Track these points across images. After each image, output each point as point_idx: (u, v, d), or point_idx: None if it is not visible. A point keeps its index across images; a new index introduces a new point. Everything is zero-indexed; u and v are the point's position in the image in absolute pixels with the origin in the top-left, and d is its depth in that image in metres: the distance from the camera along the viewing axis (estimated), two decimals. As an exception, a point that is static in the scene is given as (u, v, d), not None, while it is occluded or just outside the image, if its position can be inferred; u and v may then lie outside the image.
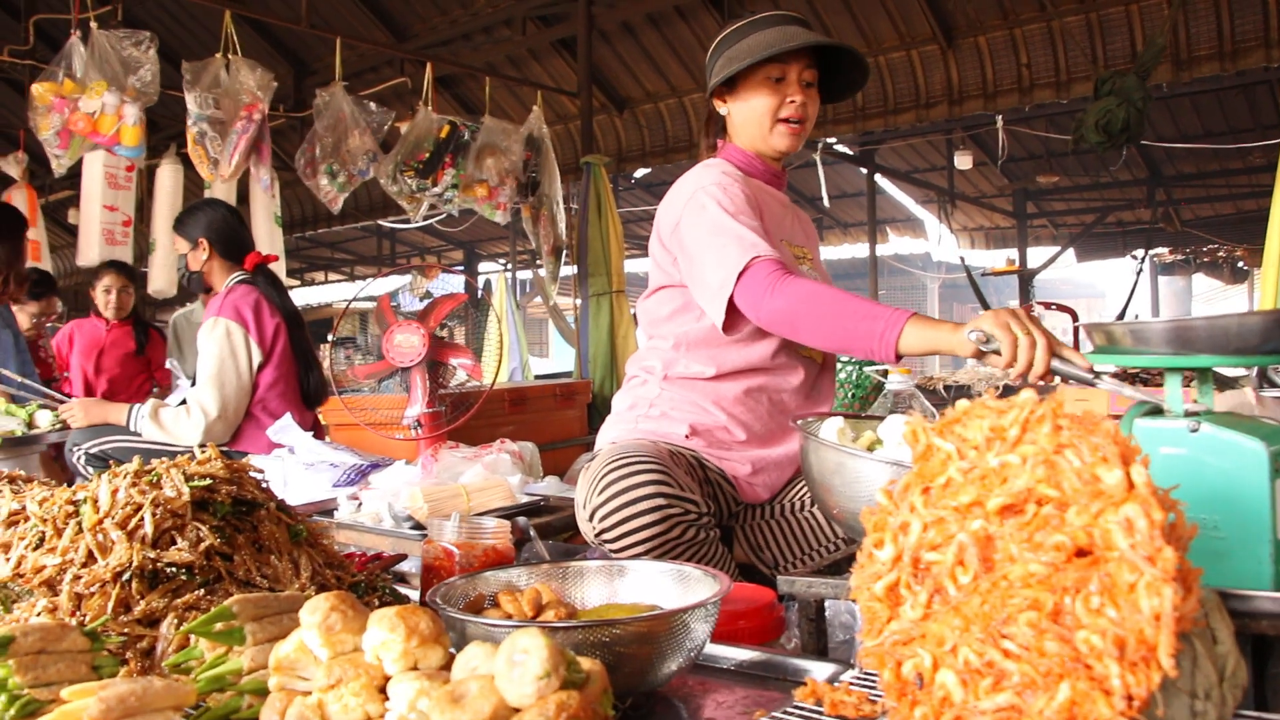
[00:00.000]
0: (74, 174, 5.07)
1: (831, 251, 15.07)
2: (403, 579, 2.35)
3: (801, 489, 2.36)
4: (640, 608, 1.38)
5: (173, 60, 5.36)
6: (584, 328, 6.47)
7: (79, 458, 3.55)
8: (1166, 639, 0.82)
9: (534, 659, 0.92)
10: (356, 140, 5.55)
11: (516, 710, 0.92)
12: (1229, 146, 9.86)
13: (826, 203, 10.34)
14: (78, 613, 1.27)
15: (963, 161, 10.66)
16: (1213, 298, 19.28)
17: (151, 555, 1.31)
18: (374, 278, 4.84)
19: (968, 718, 0.88)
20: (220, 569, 1.37)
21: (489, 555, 1.68)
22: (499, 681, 0.93)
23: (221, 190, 5.40)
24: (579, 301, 6.60)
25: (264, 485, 1.56)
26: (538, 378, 11.04)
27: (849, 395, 4.31)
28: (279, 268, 5.32)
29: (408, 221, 8.46)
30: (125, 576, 1.29)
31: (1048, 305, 6.74)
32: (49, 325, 5.87)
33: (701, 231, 2.17)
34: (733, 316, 2.12)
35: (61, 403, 3.83)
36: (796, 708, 1.16)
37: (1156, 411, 1.36)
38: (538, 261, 6.94)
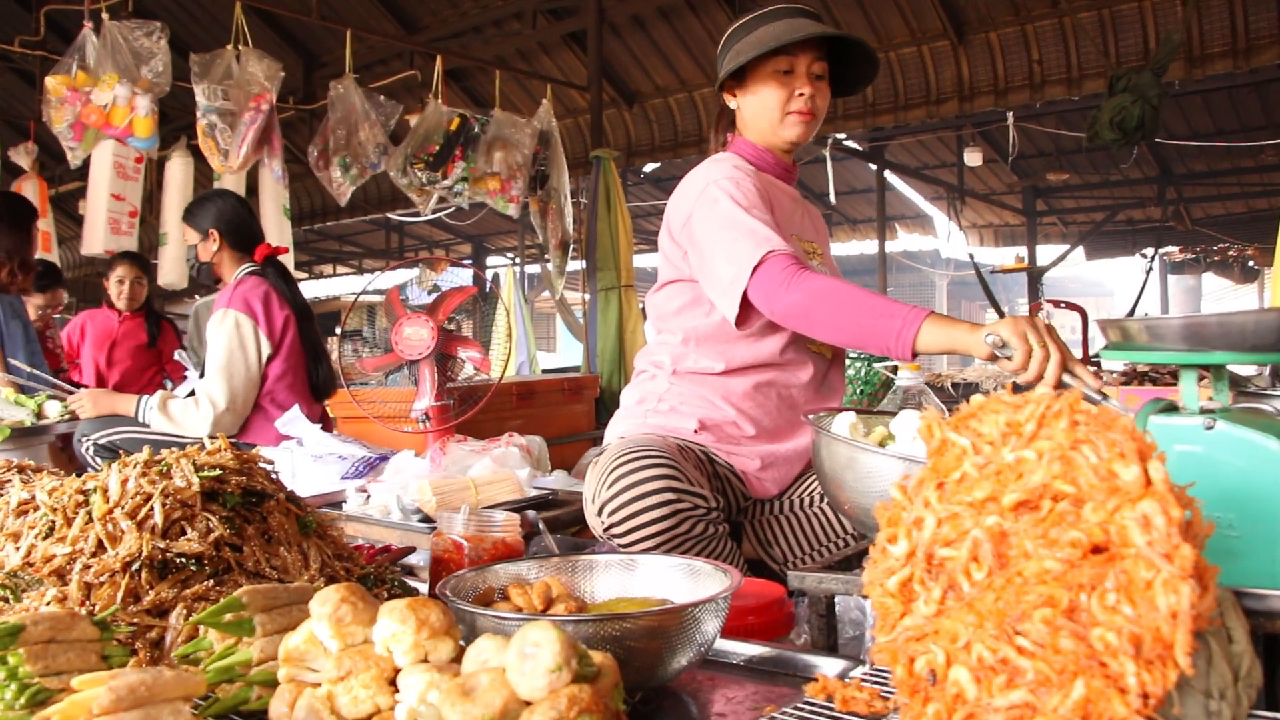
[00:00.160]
0: (84, 165, 5.08)
1: (840, 248, 15.04)
2: (411, 572, 2.34)
3: (810, 484, 2.35)
4: (650, 602, 1.38)
5: (183, 52, 5.36)
6: (592, 322, 6.46)
7: (87, 448, 3.55)
8: (1183, 637, 0.81)
9: (546, 652, 0.91)
10: (367, 133, 5.56)
11: (528, 703, 0.92)
12: (1241, 145, 9.81)
13: (833, 199, 10.32)
14: (87, 602, 1.27)
15: (973, 158, 10.63)
16: (1222, 297, 19.21)
17: (161, 545, 1.31)
18: (382, 271, 4.84)
19: (981, 715, 0.87)
20: (230, 560, 1.37)
21: (498, 548, 1.68)
22: (510, 674, 0.93)
23: (231, 182, 5.40)
24: (587, 296, 6.60)
25: (273, 476, 1.56)
26: (545, 372, 11.04)
27: (858, 391, 4.30)
28: (288, 260, 5.32)
29: (416, 215, 8.46)
30: (135, 566, 1.29)
31: (1056, 303, 6.71)
32: (57, 316, 5.88)
33: (713, 225, 2.16)
34: (745, 311, 2.11)
35: (70, 393, 3.83)
36: (807, 703, 1.15)
37: (1171, 408, 1.35)
38: (546, 256, 6.94)
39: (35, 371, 4.03)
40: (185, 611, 1.27)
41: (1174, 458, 1.29)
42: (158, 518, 1.33)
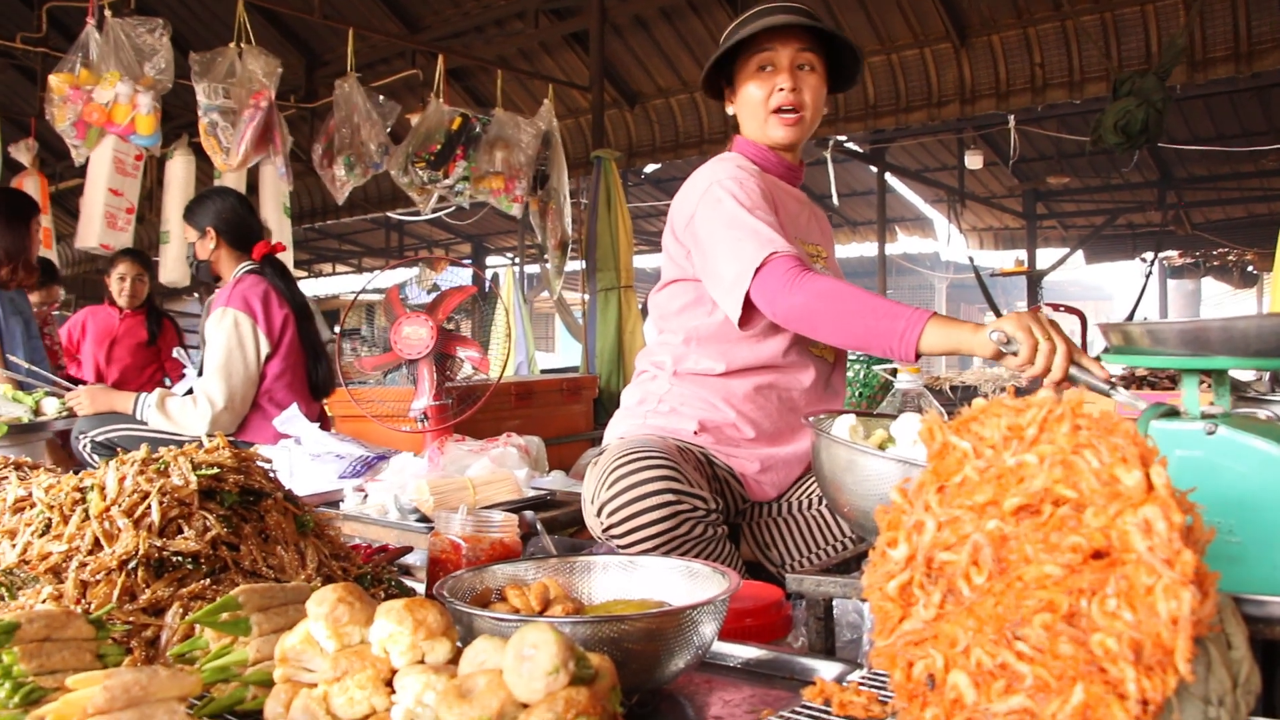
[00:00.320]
0: (85, 162, 5.07)
1: (840, 250, 15.03)
2: (408, 572, 2.34)
3: (809, 487, 2.34)
4: (648, 604, 1.38)
5: (186, 50, 5.36)
6: (591, 322, 6.46)
7: (85, 445, 3.55)
8: (1184, 643, 0.81)
9: (543, 654, 0.91)
10: (369, 132, 5.55)
11: (525, 706, 0.91)
12: (1242, 149, 9.80)
13: (835, 201, 10.32)
14: (83, 600, 1.26)
15: (973, 161, 10.63)
16: (1221, 302, 19.20)
17: (158, 544, 1.31)
18: (382, 269, 4.83)
19: (980, 720, 0.87)
20: (226, 558, 1.36)
21: (496, 549, 1.68)
22: (507, 676, 0.92)
23: (232, 180, 5.40)
24: (586, 296, 6.59)
25: (271, 475, 1.55)
26: (544, 372, 11.03)
27: (857, 394, 4.30)
28: (287, 258, 5.32)
29: (416, 214, 8.45)
30: (131, 565, 1.29)
31: (1056, 307, 6.71)
32: (55, 313, 5.87)
33: (717, 225, 2.15)
34: (748, 311, 2.11)
35: (68, 390, 3.83)
36: (805, 707, 1.15)
37: (1172, 413, 1.35)
38: (545, 256, 6.94)
39: (33, 368, 4.02)
40: (181, 610, 1.26)
41: (1175, 463, 1.28)
42: (155, 516, 1.33)
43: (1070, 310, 6.21)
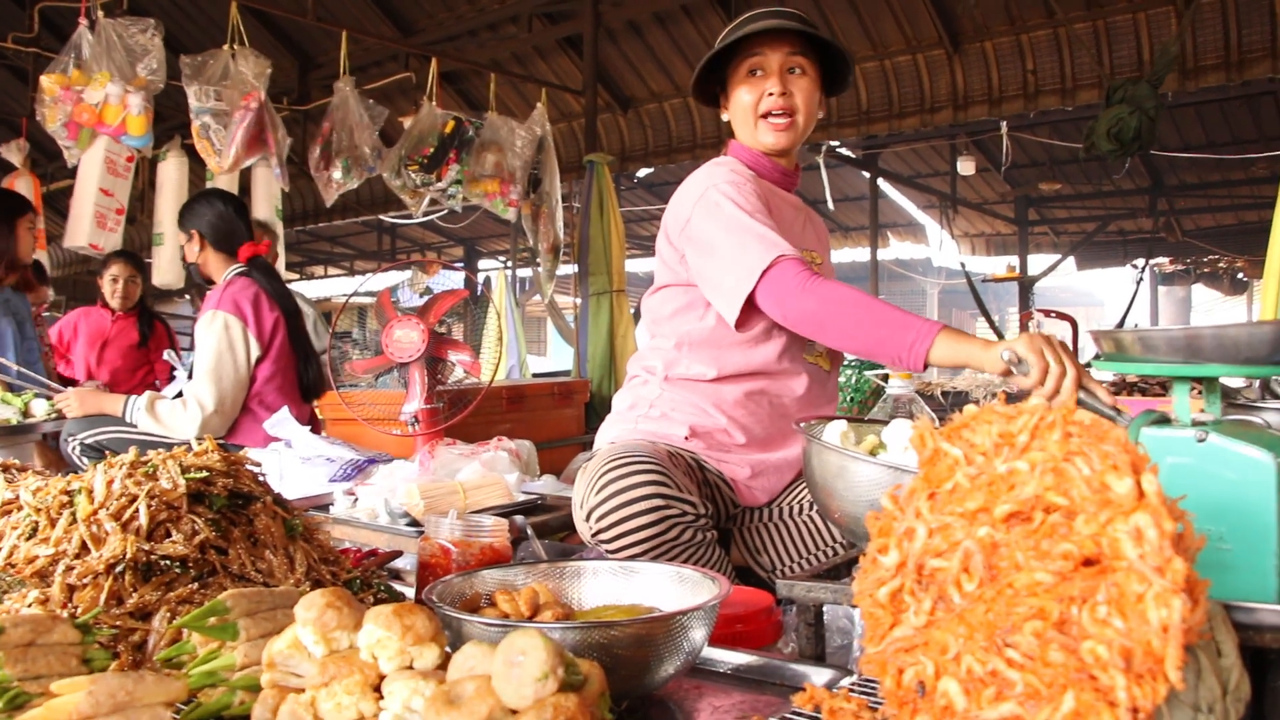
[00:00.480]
0: (78, 163, 5.06)
1: (832, 255, 14.98)
2: (398, 576, 2.33)
3: (800, 493, 2.34)
4: (638, 609, 1.37)
5: (179, 51, 5.34)
6: (583, 327, 6.45)
7: (74, 448, 3.53)
8: (1174, 651, 0.80)
9: (532, 660, 0.91)
10: (364, 135, 5.55)
11: (514, 712, 0.91)
12: (1232, 157, 9.84)
13: (830, 205, 10.33)
14: (69, 604, 1.25)
15: (965, 167, 10.64)
16: (1212, 309, 19.27)
17: (145, 547, 1.30)
18: (374, 273, 4.82)
19: (970, 728, 0.86)
20: (215, 563, 1.36)
21: (486, 553, 1.67)
22: (496, 682, 0.92)
23: (224, 182, 5.38)
24: (578, 300, 6.58)
25: (260, 479, 1.54)
26: (535, 376, 11.02)
27: (848, 399, 4.30)
28: (279, 262, 5.30)
29: (409, 217, 8.45)
30: (118, 568, 1.28)
31: (1047, 313, 6.72)
32: (44, 314, 5.85)
33: (717, 228, 2.15)
34: (745, 314, 2.11)
35: (58, 392, 3.81)
36: (795, 714, 1.14)
37: (1163, 420, 1.35)
38: (537, 260, 6.93)
39: (23, 370, 4.01)
40: (169, 615, 1.26)
41: (1166, 470, 1.29)
42: (143, 519, 1.32)
43: (1061, 316, 6.22)
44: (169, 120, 6.98)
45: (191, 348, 3.65)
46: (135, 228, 6.72)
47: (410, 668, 1.02)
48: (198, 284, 4.04)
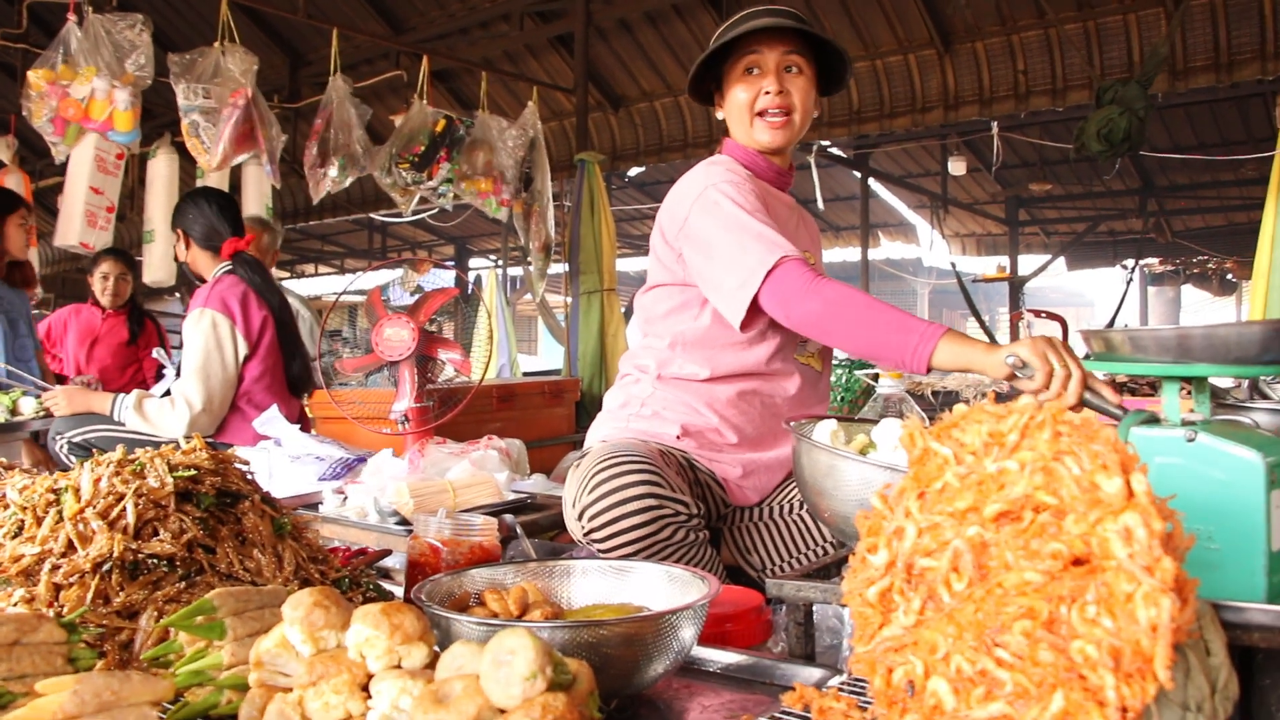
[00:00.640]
0: (65, 160, 5.03)
1: (823, 254, 14.98)
2: (387, 575, 2.33)
3: (790, 492, 2.34)
4: (628, 608, 1.37)
5: (169, 48, 5.32)
6: (574, 325, 6.45)
7: (62, 446, 3.52)
8: (1163, 650, 0.80)
9: (521, 659, 0.90)
10: (357, 133, 5.54)
11: (502, 711, 0.90)
12: (1222, 158, 9.88)
13: (821, 205, 10.34)
14: (55, 604, 1.25)
15: (956, 167, 10.66)
16: (1201, 309, 19.34)
17: (133, 546, 1.29)
18: (364, 271, 4.81)
19: (959, 727, 0.86)
20: (202, 561, 1.35)
21: (475, 552, 1.67)
22: (484, 682, 0.92)
23: (215, 179, 5.36)
24: (569, 299, 6.58)
25: (249, 477, 1.54)
26: (526, 375, 11.01)
27: (838, 398, 4.31)
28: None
29: (399, 215, 8.44)
30: (105, 567, 1.27)
31: (1037, 313, 6.74)
32: (34, 311, 5.82)
33: (716, 228, 2.14)
34: (750, 315, 2.10)
35: (46, 390, 3.80)
36: (784, 713, 1.14)
37: (1153, 420, 1.35)
38: (528, 258, 6.92)
39: (11, 369, 3.99)
40: (156, 614, 1.25)
41: (1155, 470, 1.29)
42: (130, 518, 1.32)
43: (1051, 316, 6.24)
44: (159, 117, 6.97)
45: (181, 346, 3.63)
46: (125, 225, 6.69)
47: (398, 667, 1.01)
48: (189, 282, 4.03)
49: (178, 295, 11.85)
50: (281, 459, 3.13)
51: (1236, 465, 1.24)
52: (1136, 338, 1.38)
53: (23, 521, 1.36)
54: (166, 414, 3.44)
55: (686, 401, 2.29)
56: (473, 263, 17.63)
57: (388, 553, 2.34)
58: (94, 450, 1.52)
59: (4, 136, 6.60)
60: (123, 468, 1.40)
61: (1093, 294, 25.66)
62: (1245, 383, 3.13)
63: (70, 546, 1.30)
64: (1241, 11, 6.26)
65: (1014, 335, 10.99)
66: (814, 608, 1.63)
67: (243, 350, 3.54)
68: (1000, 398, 1.07)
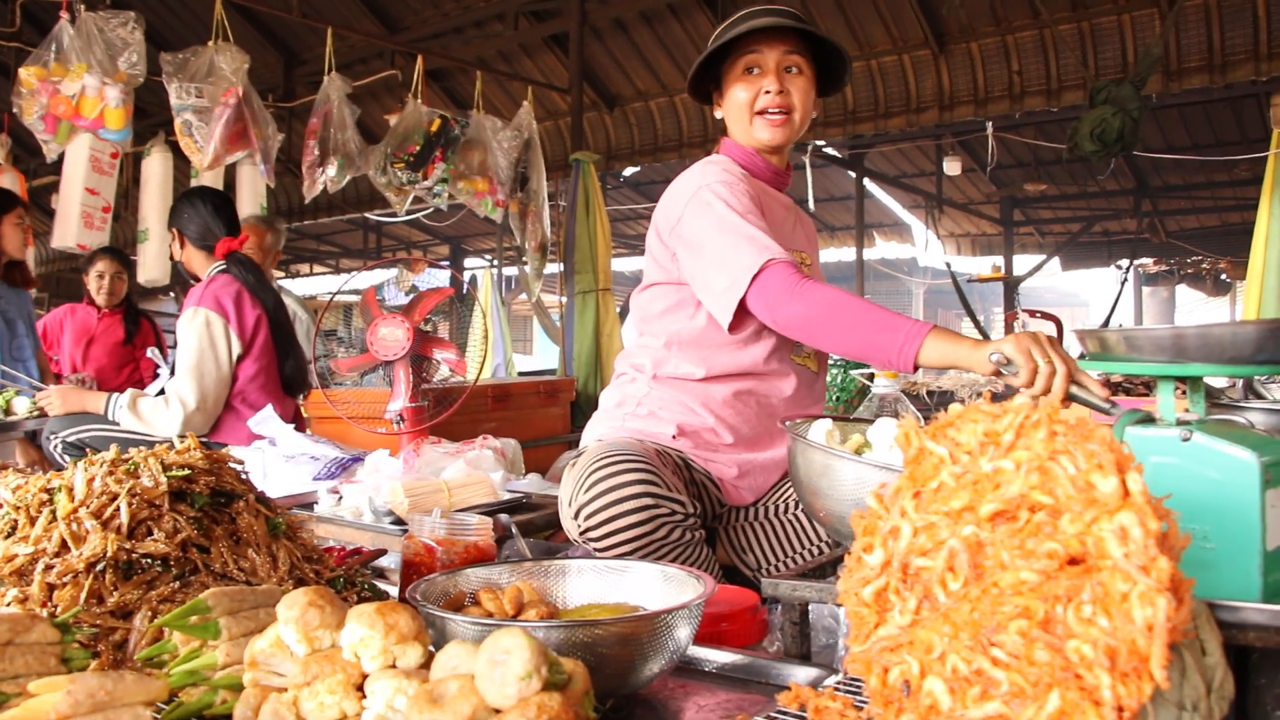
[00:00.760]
0: (58, 159, 5.02)
1: (819, 255, 14.98)
2: (382, 575, 2.32)
3: (786, 492, 2.34)
4: (623, 608, 1.37)
5: (163, 47, 5.31)
6: (569, 325, 6.45)
7: (56, 445, 3.51)
8: (1159, 650, 0.80)
9: (516, 659, 0.90)
10: (350, 132, 5.52)
11: (497, 711, 0.90)
12: (1216, 159, 9.90)
13: (812, 205, 10.34)
14: (49, 603, 1.24)
15: (951, 167, 10.67)
16: (1195, 309, 19.38)
17: (126, 546, 1.29)
18: (360, 271, 4.80)
19: (955, 727, 0.86)
20: (196, 561, 1.35)
21: (470, 552, 1.66)
22: (479, 682, 0.91)
23: (209, 178, 5.35)
24: (564, 299, 6.58)
25: (243, 476, 1.53)
26: (521, 374, 11.00)
27: (834, 398, 4.31)
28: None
29: (394, 215, 8.44)
30: (99, 567, 1.27)
31: (1032, 313, 6.73)
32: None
33: (708, 229, 2.14)
34: (739, 316, 2.10)
35: (40, 389, 3.79)
36: (780, 713, 1.14)
37: (1148, 420, 1.35)
38: (523, 258, 6.92)
39: (5, 369, 3.98)
40: (150, 613, 1.25)
41: (1150, 469, 1.29)
42: (123, 517, 1.31)
43: (1046, 316, 6.23)
44: (154, 116, 6.95)
45: (176, 345, 3.63)
46: (120, 224, 6.67)
47: (393, 667, 1.01)
48: (183, 281, 4.03)
49: (172, 295, 11.83)
50: (276, 458, 3.13)
51: (1232, 465, 1.24)
52: (1132, 337, 1.38)
53: (16, 521, 1.35)
54: (161, 413, 3.43)
55: (682, 401, 2.29)
56: (468, 262, 17.61)
57: (383, 552, 2.34)
58: (88, 450, 1.52)
59: (-2, 135, 6.59)
60: (116, 467, 1.40)
61: (1087, 294, 25.73)
62: (1240, 382, 3.14)
63: (64, 546, 1.30)
64: (1235, 13, 6.27)
65: (1009, 335, 10.96)
66: (809, 607, 1.63)
67: (236, 349, 3.53)
68: (996, 397, 1.07)
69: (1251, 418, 2.03)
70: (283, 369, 3.72)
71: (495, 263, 14.78)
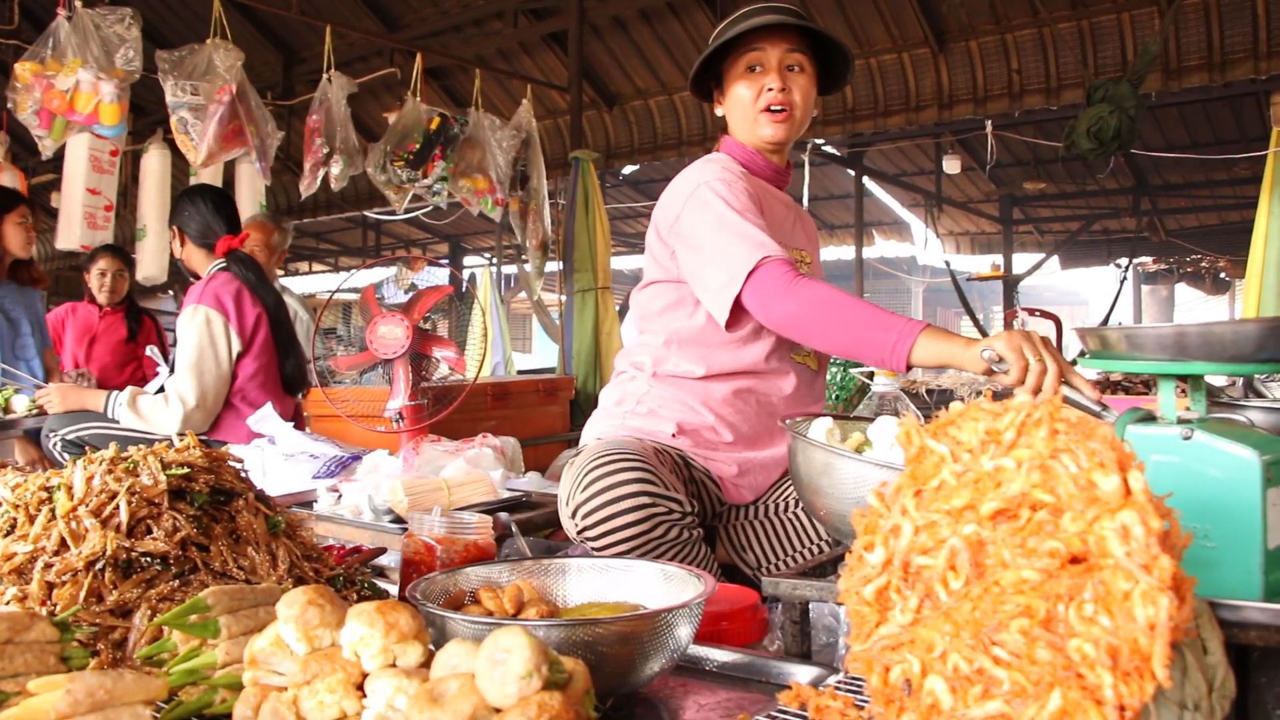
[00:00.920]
0: (57, 158, 5.01)
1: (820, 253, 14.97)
2: (381, 573, 2.32)
3: (785, 490, 2.34)
4: (623, 607, 1.37)
5: (162, 44, 5.30)
6: (568, 323, 6.45)
7: (55, 444, 3.51)
8: (1161, 649, 0.80)
9: (516, 658, 0.90)
10: (347, 130, 5.52)
11: (498, 710, 0.90)
12: (1215, 157, 9.90)
13: (806, 203, 10.33)
14: (48, 602, 1.24)
15: (951, 166, 10.66)
16: (1194, 308, 19.38)
17: (126, 544, 1.29)
18: (359, 269, 4.80)
19: (957, 726, 0.86)
20: (196, 559, 1.34)
21: (470, 551, 1.66)
22: (480, 681, 0.91)
23: (208, 176, 5.35)
24: (564, 297, 6.57)
25: (243, 475, 1.53)
26: (520, 373, 11.00)
27: (834, 397, 4.31)
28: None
29: (394, 213, 8.43)
30: (98, 565, 1.27)
31: (1032, 312, 6.73)
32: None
33: (706, 227, 2.14)
34: (735, 314, 2.10)
35: (40, 387, 3.79)
36: (781, 712, 1.14)
37: (1149, 418, 1.35)
38: (523, 256, 6.91)
39: (6, 367, 3.98)
40: (149, 612, 1.25)
41: (1151, 468, 1.29)
42: (123, 516, 1.31)
43: (1045, 315, 6.23)
44: (152, 114, 6.95)
45: (176, 343, 3.62)
46: (119, 222, 6.67)
47: (393, 666, 1.01)
48: (183, 279, 4.02)
49: (171, 293, 11.83)
50: (276, 457, 3.13)
51: (1233, 463, 1.24)
52: (1134, 335, 1.37)
53: (15, 519, 1.35)
54: (160, 411, 3.43)
55: (682, 399, 2.29)
56: (467, 260, 17.61)
57: (382, 551, 2.34)
58: (88, 448, 1.51)
59: (-4, 133, 6.57)
60: (116, 465, 1.40)
61: (1087, 293, 25.72)
62: (1240, 381, 3.13)
63: (63, 545, 1.30)
64: (1235, 11, 6.27)
65: (1008, 334, 10.97)
66: (810, 606, 1.63)
67: (236, 347, 3.53)
68: (997, 396, 1.07)
69: (1252, 416, 2.03)
70: (283, 367, 3.72)
71: (494, 261, 14.78)
